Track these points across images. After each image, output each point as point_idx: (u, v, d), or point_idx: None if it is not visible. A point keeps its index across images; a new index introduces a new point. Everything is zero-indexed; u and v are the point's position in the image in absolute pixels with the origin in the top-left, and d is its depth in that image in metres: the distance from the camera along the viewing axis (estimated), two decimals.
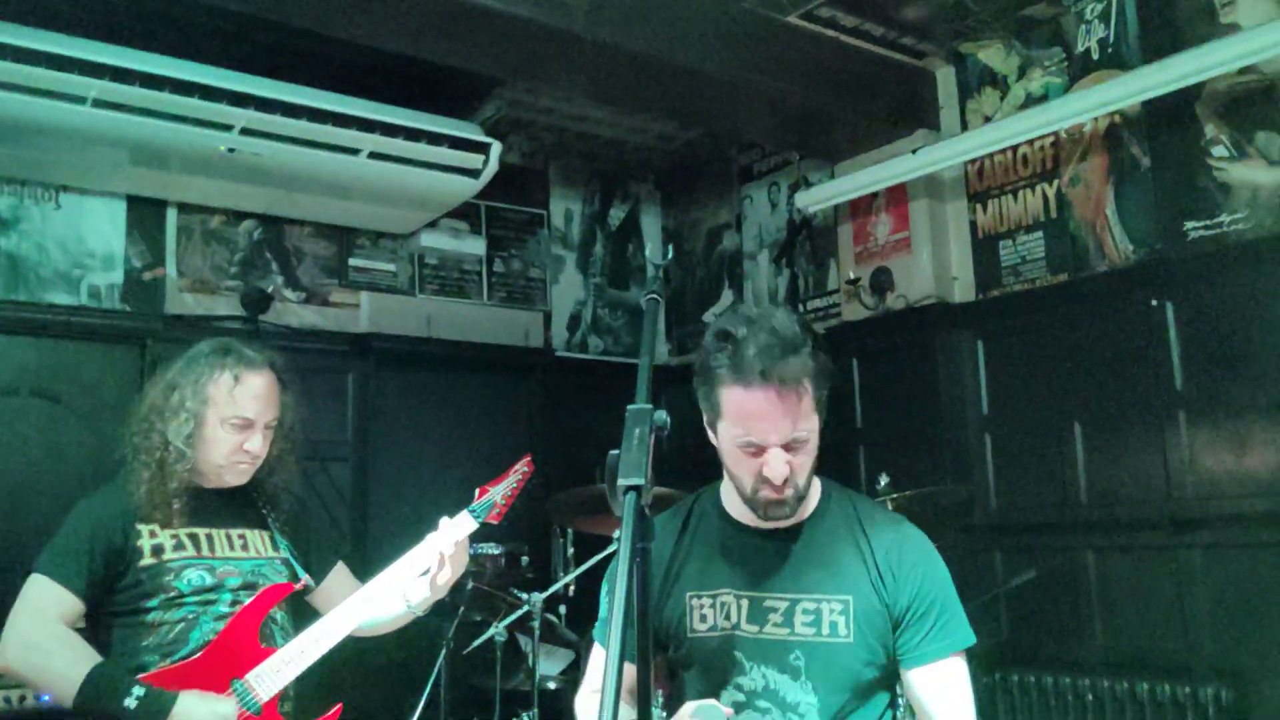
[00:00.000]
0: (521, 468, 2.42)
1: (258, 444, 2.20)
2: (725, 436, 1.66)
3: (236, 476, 2.23)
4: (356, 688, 3.95)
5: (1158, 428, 3.52)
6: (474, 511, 2.30)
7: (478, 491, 2.34)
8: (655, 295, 1.53)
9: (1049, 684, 3.60)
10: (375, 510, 4.44)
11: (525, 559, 3.91)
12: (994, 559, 3.93)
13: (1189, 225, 3.48)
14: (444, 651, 3.41)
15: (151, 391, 2.23)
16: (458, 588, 3.45)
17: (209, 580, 2.14)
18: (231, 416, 2.16)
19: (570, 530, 4.06)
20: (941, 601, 1.70)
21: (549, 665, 3.51)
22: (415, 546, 2.25)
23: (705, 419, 1.72)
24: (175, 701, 1.99)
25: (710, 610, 1.74)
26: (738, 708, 1.68)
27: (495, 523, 2.34)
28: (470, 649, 3.48)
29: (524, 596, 3.38)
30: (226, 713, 2.02)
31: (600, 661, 1.76)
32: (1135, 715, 3.39)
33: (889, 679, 1.74)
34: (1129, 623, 3.55)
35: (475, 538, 3.82)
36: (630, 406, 1.26)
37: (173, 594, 2.10)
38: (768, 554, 1.73)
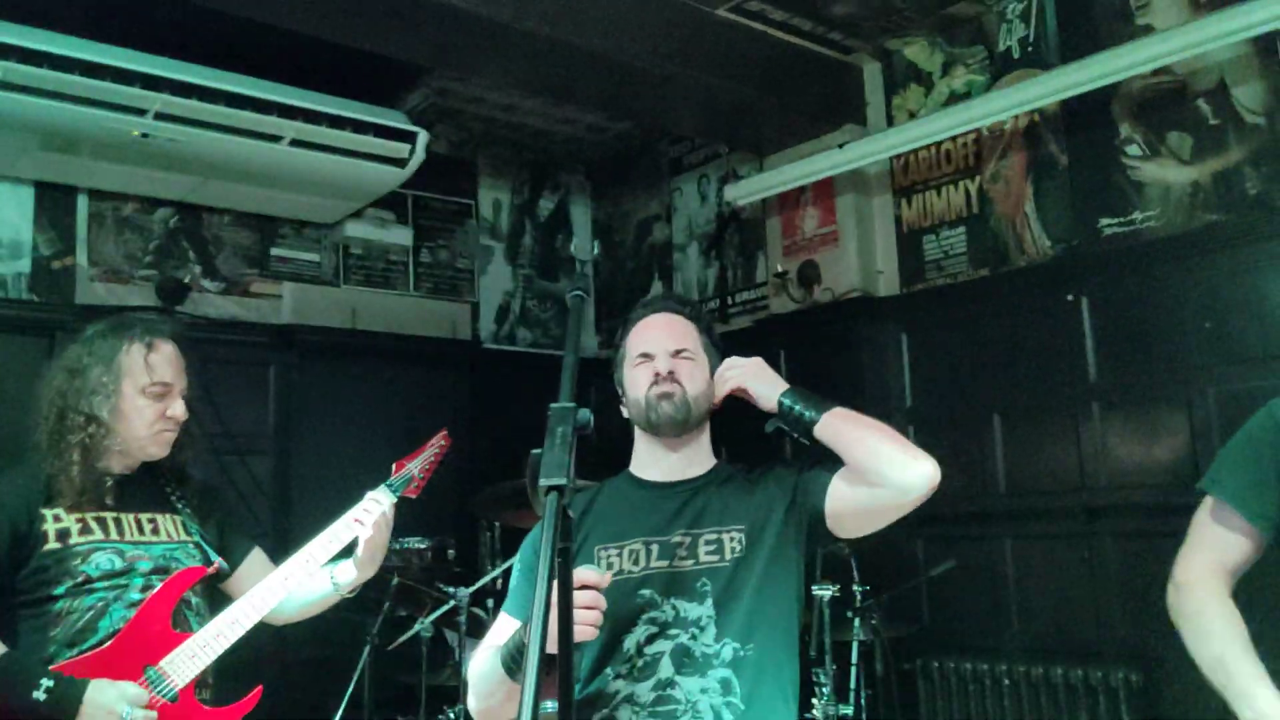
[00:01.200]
0: (438, 441, 2.42)
1: (180, 408, 2.18)
2: (628, 364, 1.90)
3: (161, 446, 2.19)
4: (278, 685, 3.88)
5: (1072, 419, 3.61)
6: (391, 486, 2.29)
7: (394, 466, 2.33)
8: (580, 292, 1.55)
9: (967, 670, 3.69)
10: (297, 504, 4.35)
11: (452, 553, 3.88)
12: (916, 548, 4.00)
13: (1104, 222, 3.57)
14: (368, 647, 3.36)
15: (56, 377, 2.15)
16: (383, 583, 3.41)
17: (119, 564, 2.07)
18: (150, 384, 2.13)
19: (497, 524, 4.03)
20: (811, 469, 1.83)
21: None
22: (334, 523, 2.23)
23: (619, 389, 1.95)
24: (85, 689, 1.93)
25: (617, 558, 1.83)
26: (650, 639, 1.76)
27: (414, 497, 2.33)
28: (395, 645, 3.43)
29: (450, 591, 3.35)
30: (136, 696, 1.95)
31: (504, 626, 1.81)
32: (1050, 699, 3.49)
33: (797, 604, 1.81)
34: (1044, 609, 3.65)
35: (401, 531, 3.81)
36: (553, 405, 1.26)
37: (80, 579, 2.03)
38: (672, 502, 1.87)
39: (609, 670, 1.78)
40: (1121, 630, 3.41)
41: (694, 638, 1.75)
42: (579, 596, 1.51)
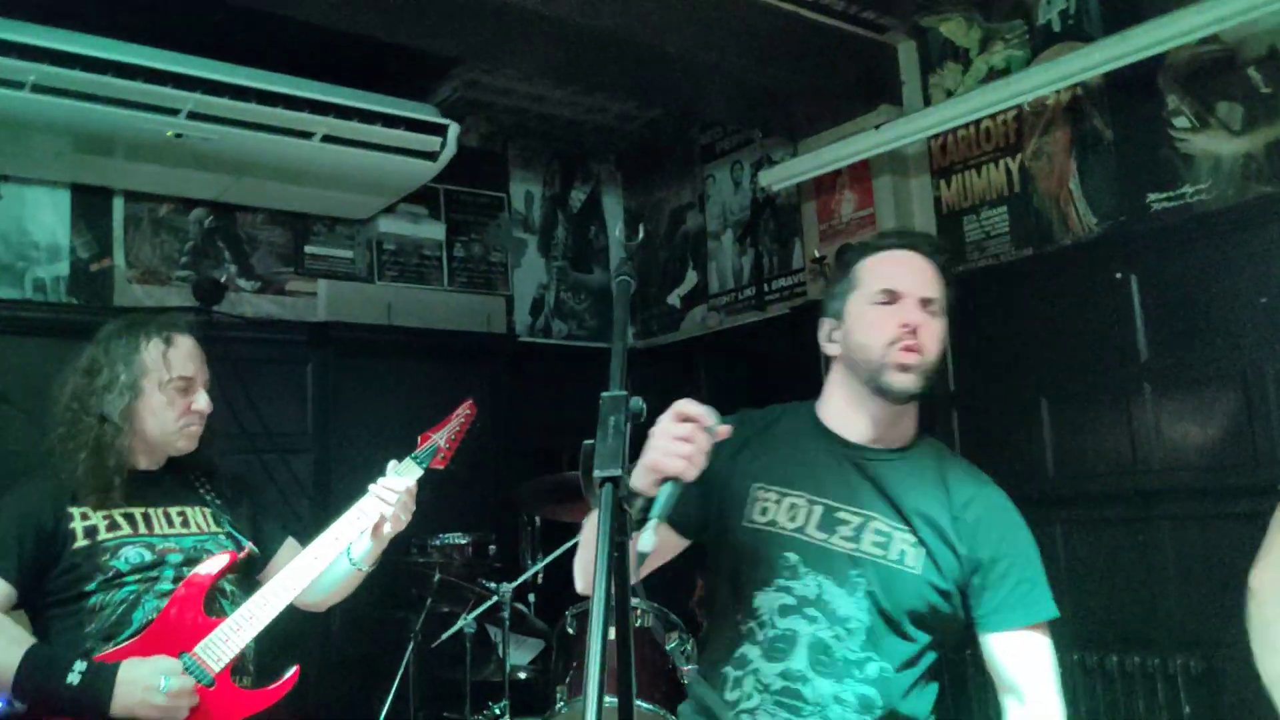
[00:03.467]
0: (464, 411, 2.41)
1: (204, 401, 2.20)
2: (859, 302, 1.72)
3: (189, 440, 2.20)
4: (323, 683, 3.91)
5: (1124, 401, 3.52)
6: (417, 458, 2.28)
7: (420, 438, 2.32)
8: (626, 276, 1.45)
9: None
10: (338, 501, 4.29)
11: (493, 548, 3.86)
12: None
13: (1152, 197, 3.47)
14: (412, 644, 3.36)
15: (72, 378, 2.18)
16: (425, 579, 3.40)
17: (149, 557, 2.08)
18: (172, 379, 2.15)
19: (538, 518, 4.01)
20: (1023, 565, 1.68)
21: (519, 655, 3.47)
22: (361, 499, 2.22)
23: (823, 333, 1.79)
24: (118, 670, 1.93)
25: (774, 506, 1.70)
26: (783, 610, 1.64)
27: (441, 468, 2.32)
28: (439, 641, 3.42)
29: (492, 587, 3.33)
30: (171, 667, 1.95)
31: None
32: (1106, 687, 3.41)
33: (940, 645, 1.69)
34: (1098, 595, 3.56)
35: (440, 527, 3.80)
36: (604, 393, 1.20)
37: (111, 574, 2.04)
38: (850, 469, 1.72)
39: (751, 626, 1.66)
40: (1179, 616, 3.32)
41: (838, 637, 1.62)
42: (674, 428, 1.37)
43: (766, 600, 1.66)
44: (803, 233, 4.58)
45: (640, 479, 1.35)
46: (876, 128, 4.00)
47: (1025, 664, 1.67)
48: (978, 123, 3.93)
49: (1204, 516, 3.27)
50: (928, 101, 4.10)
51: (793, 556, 1.65)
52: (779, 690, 1.62)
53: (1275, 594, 1.74)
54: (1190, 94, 3.37)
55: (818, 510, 1.68)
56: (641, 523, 1.23)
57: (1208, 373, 3.31)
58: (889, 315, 1.68)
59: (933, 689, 1.71)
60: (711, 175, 5.16)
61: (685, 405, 1.41)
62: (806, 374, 4.35)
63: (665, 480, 1.32)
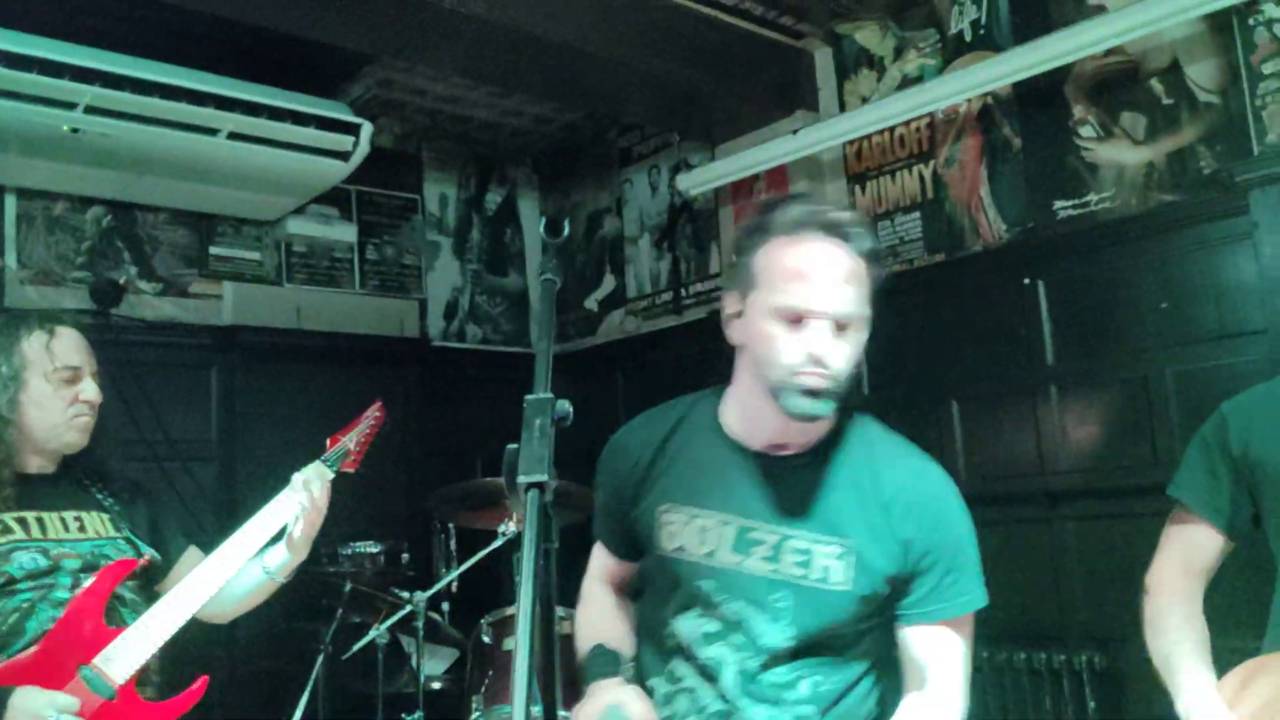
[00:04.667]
0: (373, 413, 2.35)
1: (93, 390, 2.11)
2: (759, 309, 1.49)
3: (78, 433, 2.11)
4: (229, 697, 3.77)
5: (1031, 403, 3.60)
6: (327, 461, 2.21)
7: (329, 441, 2.25)
8: (550, 276, 1.37)
9: None
10: (243, 511, 4.16)
11: (405, 557, 3.78)
12: None
13: (1059, 205, 3.56)
14: (322, 656, 3.25)
15: None
16: (335, 589, 3.31)
17: (44, 563, 1.98)
18: (57, 369, 2.07)
19: (452, 526, 3.93)
20: (952, 555, 1.55)
21: (433, 665, 3.40)
22: (268, 503, 2.15)
23: (727, 311, 1.57)
24: (9, 697, 1.81)
25: (682, 529, 1.58)
26: (707, 638, 1.56)
27: (352, 471, 2.25)
28: (350, 653, 3.32)
29: (406, 596, 3.25)
30: (66, 704, 1.84)
31: (600, 558, 1.83)
32: (1014, 682, 3.48)
33: (875, 643, 1.60)
34: (1006, 594, 3.58)
35: (352, 535, 3.70)
36: (529, 396, 1.15)
37: (3, 580, 1.93)
38: (761, 479, 1.57)
39: (680, 644, 1.61)
40: (1084, 614, 3.41)
41: (764, 665, 1.54)
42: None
43: (689, 626, 1.59)
44: (720, 237, 4.60)
45: None
46: (794, 133, 4.04)
47: (935, 654, 1.57)
48: (892, 129, 3.99)
49: (1107, 516, 3.36)
50: (843, 107, 4.15)
51: (707, 584, 1.56)
52: (715, 713, 1.56)
53: (1165, 587, 1.87)
54: (1096, 104, 3.47)
55: (730, 531, 1.55)
56: None
57: (1111, 376, 3.41)
58: (794, 337, 1.46)
59: (875, 686, 1.63)
60: (629, 179, 5.15)
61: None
62: (722, 378, 4.37)
63: None
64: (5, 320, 2.14)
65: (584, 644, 1.69)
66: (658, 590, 1.67)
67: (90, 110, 3.45)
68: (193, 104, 3.62)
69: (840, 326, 1.47)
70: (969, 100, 3.72)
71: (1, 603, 1.93)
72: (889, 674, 1.65)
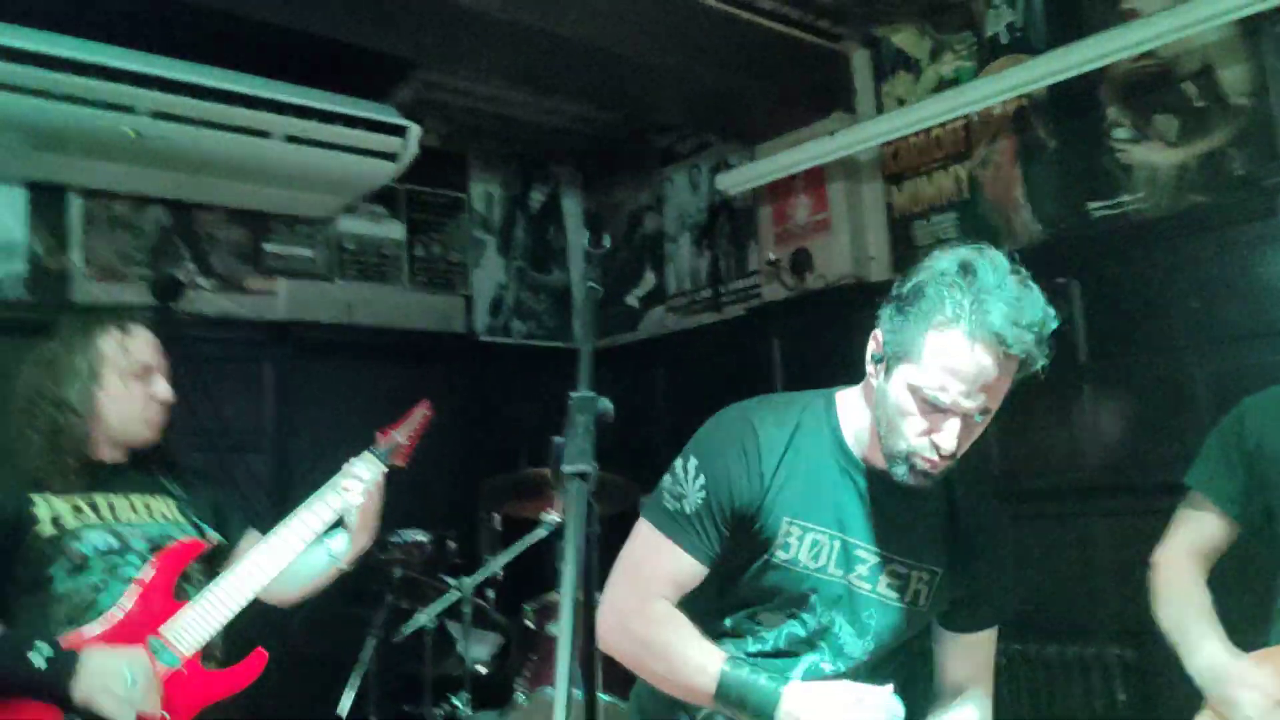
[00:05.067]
0: (421, 411, 2.50)
1: (164, 388, 2.25)
2: (904, 381, 1.52)
3: (150, 429, 2.25)
4: (283, 681, 3.92)
5: (1064, 401, 3.64)
6: (378, 455, 2.34)
7: (378, 435, 2.37)
8: (595, 284, 1.54)
9: None
10: (296, 499, 4.33)
11: (452, 545, 3.90)
12: None
13: (1093, 205, 3.60)
14: (372, 641, 3.40)
15: (31, 370, 2.22)
16: (385, 576, 3.45)
17: (113, 543, 2.12)
18: (131, 367, 2.20)
19: (497, 515, 4.05)
20: (999, 572, 1.73)
21: (479, 650, 3.52)
22: (321, 489, 2.27)
23: (875, 348, 1.61)
24: (84, 658, 1.95)
25: (797, 542, 1.64)
26: (791, 640, 1.67)
27: (402, 465, 2.40)
28: (399, 637, 3.46)
29: (452, 582, 3.38)
30: (137, 658, 1.99)
31: (676, 564, 1.65)
32: (1044, 676, 3.54)
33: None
34: (1036, 588, 3.67)
35: (400, 525, 3.83)
36: (574, 394, 1.28)
37: (76, 559, 2.07)
38: (869, 502, 1.65)
39: (726, 626, 1.70)
40: (1114, 608, 3.45)
41: (836, 670, 1.67)
42: None
43: (775, 626, 1.68)
44: (759, 235, 4.67)
45: None
46: (831, 134, 4.11)
47: (973, 662, 1.75)
48: (928, 131, 4.04)
49: (1137, 512, 3.39)
50: (880, 109, 4.21)
51: (812, 596, 1.65)
52: None
53: (1173, 561, 2.02)
54: (1129, 107, 3.51)
55: (837, 545, 1.64)
56: None
57: (1143, 375, 3.45)
58: (925, 423, 1.52)
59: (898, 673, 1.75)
60: (670, 178, 5.24)
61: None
62: (760, 374, 4.46)
63: None
64: (82, 318, 2.29)
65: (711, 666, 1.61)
66: (752, 595, 1.70)
67: (151, 114, 3.61)
68: (248, 108, 3.76)
69: (969, 421, 1.53)
70: (1004, 102, 3.77)
71: (75, 579, 2.08)
72: (912, 663, 1.80)
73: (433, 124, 4.95)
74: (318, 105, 3.92)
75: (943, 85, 4.00)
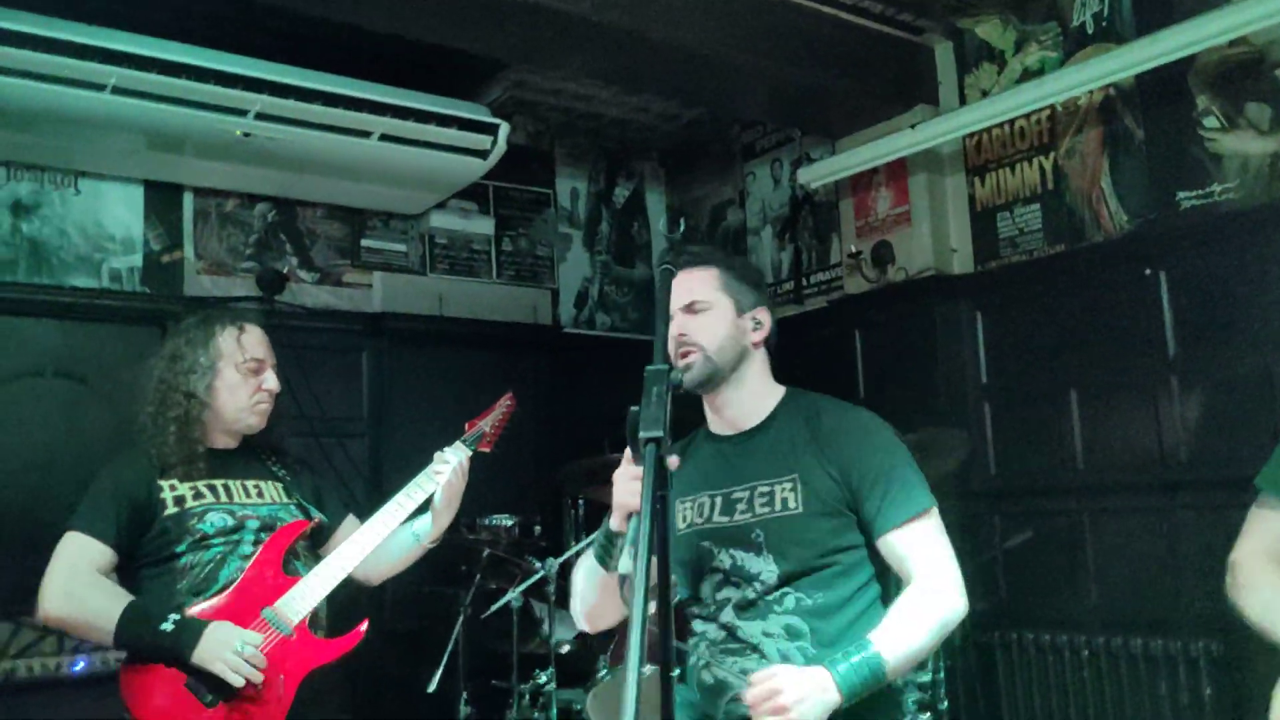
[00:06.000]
0: (505, 402, 2.67)
1: (273, 380, 2.44)
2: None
3: (260, 417, 2.44)
4: (379, 653, 4.09)
5: (1151, 394, 3.61)
6: (466, 442, 2.52)
7: (466, 425, 2.54)
8: (669, 265, 1.67)
9: (1045, 641, 3.72)
10: (391, 484, 4.49)
11: (538, 528, 4.03)
12: (993, 523, 4.03)
13: (1181, 195, 3.56)
14: (461, 618, 3.54)
15: (158, 366, 2.42)
16: (474, 556, 3.59)
17: (230, 522, 2.31)
18: (245, 360, 2.39)
19: (581, 500, 4.18)
20: (889, 470, 1.88)
21: (563, 630, 3.64)
22: (416, 477, 2.46)
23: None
24: (207, 626, 2.16)
25: (690, 511, 1.98)
26: (717, 586, 1.91)
27: (487, 451, 2.57)
28: (487, 614, 3.60)
29: (538, 564, 3.51)
30: (254, 639, 2.18)
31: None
32: (1130, 670, 3.51)
33: (861, 553, 1.91)
34: (1122, 582, 3.66)
35: (489, 510, 3.98)
36: (649, 367, 1.38)
37: (198, 536, 2.27)
38: (732, 455, 1.98)
39: (695, 609, 1.95)
40: (1201, 603, 3.40)
41: (755, 590, 1.87)
42: (629, 477, 1.69)
43: (708, 585, 1.93)
44: (840, 229, 4.70)
45: (614, 520, 1.78)
46: (913, 127, 4.12)
47: (914, 551, 1.84)
48: (1012, 122, 4.03)
49: (1226, 507, 3.33)
50: (963, 101, 4.21)
51: (707, 543, 1.93)
52: (720, 640, 1.88)
53: (1250, 562, 2.04)
54: (1219, 95, 3.45)
55: (718, 500, 1.95)
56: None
57: (1233, 368, 3.40)
58: (671, 329, 1.94)
59: (875, 603, 1.91)
60: (752, 172, 5.30)
61: (630, 466, 1.70)
62: (842, 366, 4.49)
63: (631, 515, 1.68)
64: (204, 317, 2.49)
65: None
66: (684, 571, 1.97)
67: (259, 117, 3.81)
68: (349, 109, 3.94)
69: (689, 307, 1.96)
70: (1090, 92, 3.74)
71: (199, 554, 2.28)
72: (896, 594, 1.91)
73: (521, 121, 5.10)
74: (413, 105, 4.08)
75: (1027, 76, 3.98)
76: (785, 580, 1.85)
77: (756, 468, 1.94)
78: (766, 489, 1.92)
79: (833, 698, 1.65)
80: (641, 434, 1.29)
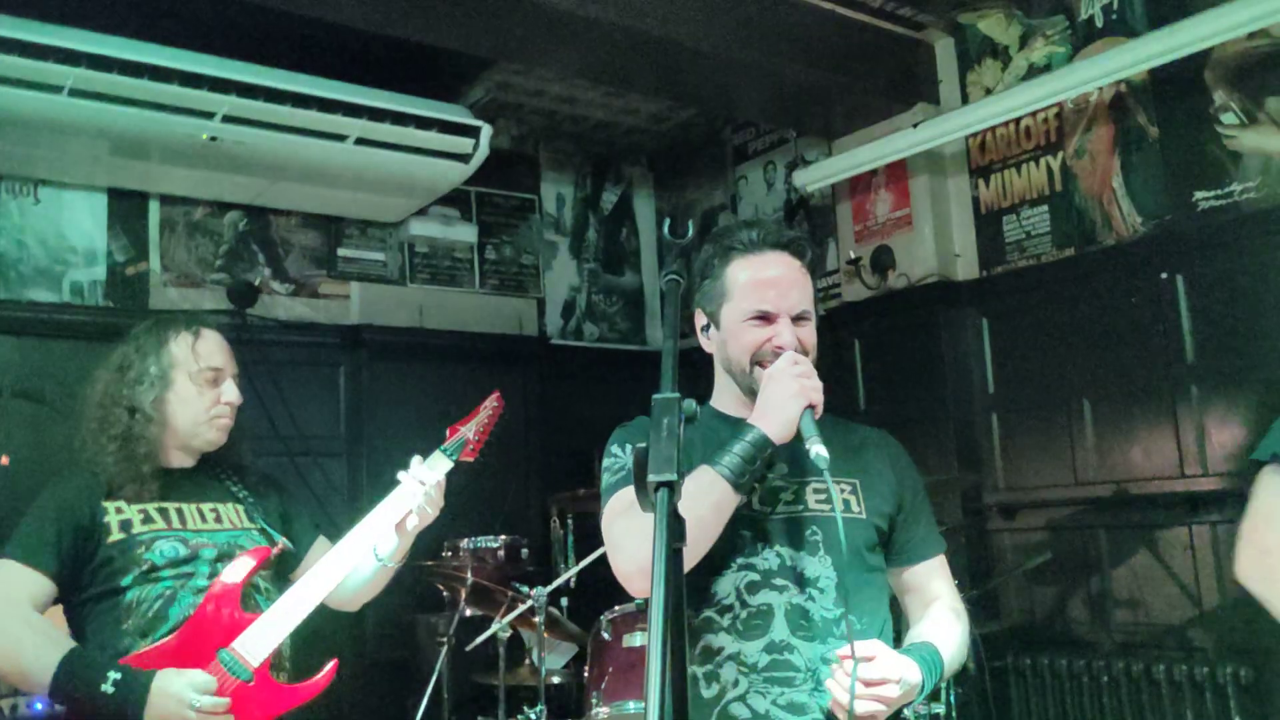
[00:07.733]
0: (491, 403, 2.40)
1: (233, 392, 2.23)
2: (732, 317, 1.73)
3: (219, 432, 2.22)
4: (357, 686, 3.90)
5: (1169, 403, 3.45)
6: (446, 451, 2.27)
7: (448, 431, 2.31)
8: (675, 275, 1.45)
9: (1063, 666, 3.54)
10: (370, 504, 4.32)
11: (525, 551, 3.83)
12: (1003, 540, 3.87)
13: (1199, 195, 3.40)
14: (445, 649, 3.33)
15: (103, 375, 2.20)
16: (458, 583, 3.38)
17: (183, 552, 2.08)
18: (201, 370, 2.18)
19: (571, 520, 3.98)
20: (924, 502, 1.82)
21: (553, 659, 3.44)
22: (389, 495, 2.20)
23: (701, 323, 1.81)
24: (152, 679, 1.92)
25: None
26: (751, 587, 1.65)
27: (471, 460, 2.31)
28: (472, 645, 3.40)
29: (526, 591, 3.30)
30: (205, 684, 1.94)
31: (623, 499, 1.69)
32: (1152, 697, 3.34)
33: (883, 574, 1.79)
34: (1144, 603, 3.49)
35: (473, 530, 3.78)
36: (656, 395, 1.17)
37: (146, 567, 2.04)
38: None
39: (710, 615, 1.66)
40: (1228, 624, 3.25)
41: (812, 599, 1.63)
42: (800, 368, 1.60)
43: (727, 583, 1.65)
44: (838, 233, 4.53)
45: (781, 414, 1.57)
46: (914, 126, 3.96)
47: (935, 582, 1.81)
48: (1018, 121, 3.88)
49: None
50: (966, 99, 4.05)
51: (747, 533, 1.67)
52: (766, 666, 1.61)
53: None
54: (1238, 90, 3.30)
55: (756, 488, 1.71)
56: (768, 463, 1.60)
57: (1256, 374, 3.24)
58: (763, 334, 1.70)
59: (888, 630, 1.78)
60: (744, 176, 5.12)
61: (793, 353, 1.62)
62: (841, 377, 4.32)
63: (808, 407, 1.56)
64: (153, 322, 2.26)
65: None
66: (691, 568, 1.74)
67: (227, 119, 3.61)
68: (322, 111, 3.75)
69: (799, 320, 1.72)
70: (1101, 88, 3.59)
71: (145, 589, 2.04)
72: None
73: (504, 124, 4.92)
74: (391, 107, 3.89)
75: (1033, 72, 3.82)
76: (843, 588, 1.63)
77: (802, 461, 1.66)
78: (821, 486, 1.70)
79: (917, 681, 1.57)
80: (652, 477, 1.08)
